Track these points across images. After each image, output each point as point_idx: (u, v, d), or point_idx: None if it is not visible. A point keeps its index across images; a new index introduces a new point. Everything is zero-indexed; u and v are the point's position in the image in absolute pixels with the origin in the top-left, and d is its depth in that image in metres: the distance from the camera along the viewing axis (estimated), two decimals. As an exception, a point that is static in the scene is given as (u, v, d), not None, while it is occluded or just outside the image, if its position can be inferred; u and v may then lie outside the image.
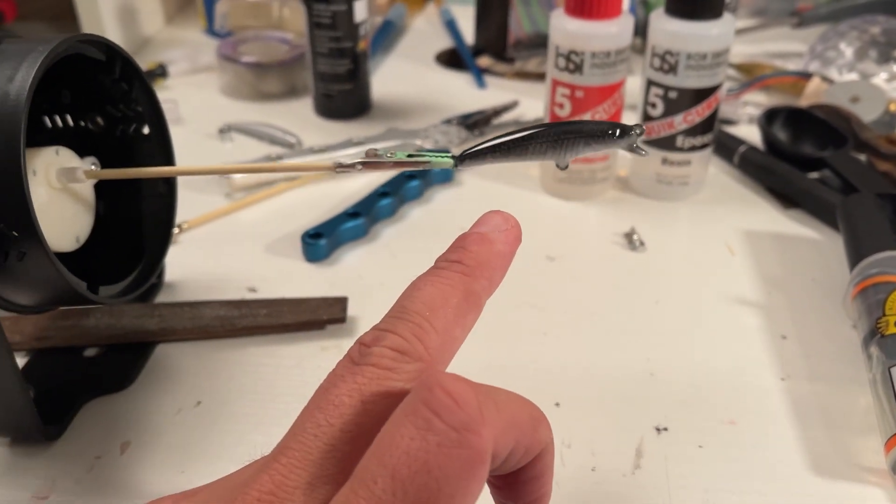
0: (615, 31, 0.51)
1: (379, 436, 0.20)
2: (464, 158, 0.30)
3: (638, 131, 0.30)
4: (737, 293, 0.48)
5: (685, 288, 0.49)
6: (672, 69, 0.52)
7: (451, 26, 0.87)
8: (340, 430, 0.21)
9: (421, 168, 0.30)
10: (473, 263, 0.26)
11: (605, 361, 0.43)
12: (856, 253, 0.45)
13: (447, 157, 0.30)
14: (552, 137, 0.30)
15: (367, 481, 0.19)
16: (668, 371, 0.42)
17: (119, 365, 0.42)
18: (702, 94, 0.52)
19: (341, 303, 0.45)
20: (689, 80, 0.52)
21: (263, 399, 0.40)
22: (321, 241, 0.50)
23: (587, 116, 0.53)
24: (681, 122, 0.53)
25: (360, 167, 0.31)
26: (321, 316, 0.44)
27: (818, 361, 0.42)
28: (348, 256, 0.51)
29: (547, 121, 0.56)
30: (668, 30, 0.51)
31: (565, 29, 0.51)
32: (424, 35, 0.89)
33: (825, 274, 0.49)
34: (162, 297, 0.48)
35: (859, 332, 0.41)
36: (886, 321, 0.39)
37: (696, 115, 0.53)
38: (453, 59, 0.82)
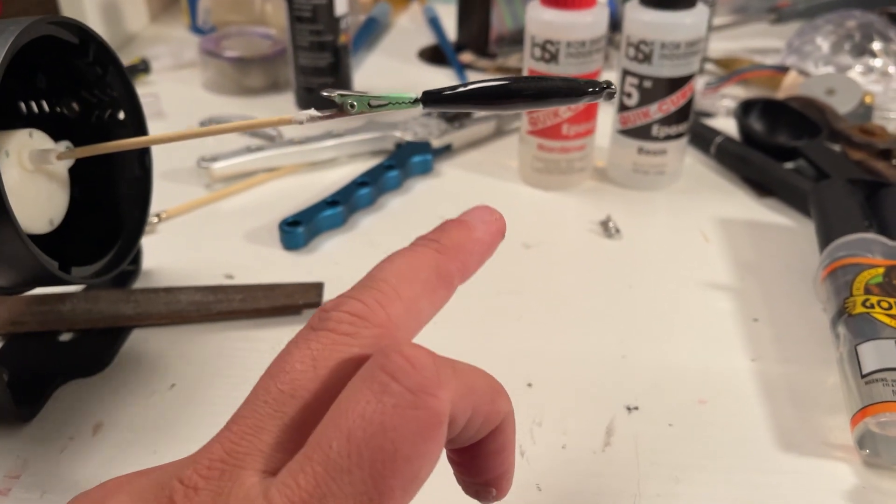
0: (590, 20, 0.51)
1: (335, 402, 0.20)
2: (427, 101, 0.29)
3: (610, 90, 0.30)
4: (710, 278, 0.48)
5: (659, 274, 0.49)
6: (647, 58, 0.52)
7: (434, 23, 0.87)
8: (291, 396, 0.21)
9: (383, 109, 0.30)
10: (450, 244, 0.26)
11: (578, 344, 0.43)
12: (825, 236, 0.45)
13: (408, 97, 0.30)
14: (521, 92, 0.30)
15: (322, 445, 0.19)
16: (640, 353, 0.42)
17: (94, 349, 0.42)
18: (676, 83, 0.53)
19: (317, 288, 0.45)
20: (664, 69, 0.52)
21: (237, 382, 0.40)
22: (299, 229, 0.50)
23: (563, 106, 0.54)
24: (656, 111, 0.54)
25: (317, 118, 0.31)
26: (297, 300, 0.44)
27: (788, 343, 0.43)
28: (326, 245, 0.52)
29: (525, 112, 0.56)
30: (642, 20, 0.52)
31: (541, 19, 0.52)
32: (408, 32, 0.90)
33: (798, 259, 0.50)
34: (139, 284, 0.48)
35: (828, 313, 0.42)
36: (853, 301, 0.40)
37: (671, 104, 0.54)
38: (436, 55, 0.83)
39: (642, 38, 0.52)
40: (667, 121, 0.54)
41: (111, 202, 0.42)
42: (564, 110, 0.54)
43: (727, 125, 0.65)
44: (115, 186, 0.42)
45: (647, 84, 0.53)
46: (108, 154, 0.41)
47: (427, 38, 0.87)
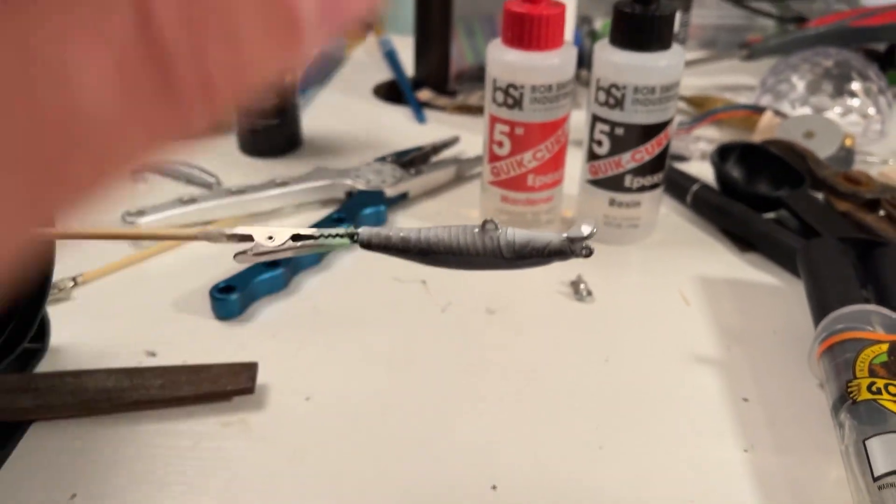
0: (557, 62, 0.47)
1: None
2: (367, 244, 0.26)
3: (584, 252, 0.26)
4: (693, 349, 0.43)
5: (637, 344, 0.44)
6: (618, 104, 0.48)
7: (391, 57, 0.82)
8: None
9: (313, 252, 0.26)
10: None
11: (548, 433, 0.38)
12: (819, 306, 0.41)
13: (345, 237, 0.26)
14: (472, 258, 0.26)
15: None
16: (619, 443, 0.37)
17: (-18, 450, 0.36)
18: (651, 131, 0.49)
19: (249, 370, 0.39)
20: (637, 115, 0.48)
21: (150, 490, 0.34)
22: (232, 296, 0.45)
23: (528, 155, 0.49)
24: (629, 160, 0.49)
25: (226, 239, 0.26)
26: (225, 386, 0.39)
27: (783, 428, 0.38)
28: (264, 312, 0.46)
29: (486, 161, 0.51)
30: (613, 61, 0.47)
31: (503, 60, 0.47)
32: (363, 67, 0.85)
33: (787, 325, 0.45)
34: (45, 365, 0.41)
35: (827, 395, 0.37)
36: (858, 385, 0.35)
37: (646, 153, 0.49)
38: (392, 92, 0.78)
39: (613, 81, 0.48)
40: (641, 171, 0.50)
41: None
42: (530, 159, 0.50)
43: (703, 170, 0.61)
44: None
45: (619, 131, 0.49)
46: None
47: (384, 73, 0.82)
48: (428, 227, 0.27)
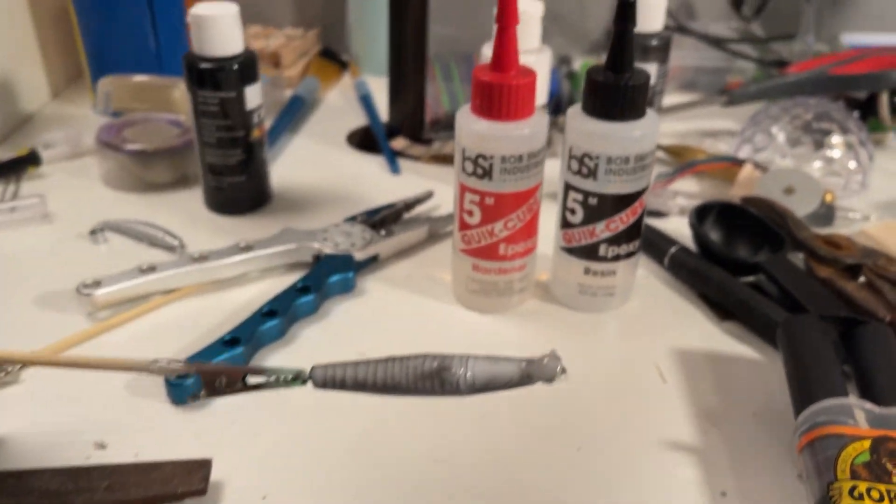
0: (527, 132, 0.45)
1: None
2: (318, 382, 0.24)
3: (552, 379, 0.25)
4: (670, 434, 0.42)
5: (612, 430, 0.42)
6: (591, 173, 0.46)
7: (367, 101, 0.81)
8: None
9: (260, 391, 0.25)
10: None
11: (517, 536, 0.36)
12: (800, 393, 0.39)
13: (296, 375, 0.25)
14: (428, 376, 0.25)
15: None
16: (590, 546, 0.35)
17: (-88, 566, 0.33)
18: (625, 201, 0.47)
19: (202, 468, 0.37)
20: (611, 185, 0.46)
21: None
22: (188, 381, 0.43)
23: (499, 225, 0.47)
24: (603, 229, 0.48)
25: (177, 370, 0.25)
26: (175, 488, 0.36)
27: (763, 527, 0.37)
28: (222, 397, 0.44)
29: (457, 230, 0.50)
30: (585, 130, 0.46)
31: (472, 130, 0.46)
32: (338, 111, 0.83)
33: (766, 406, 0.44)
34: (-13, 460, 0.39)
35: (808, 494, 0.36)
36: (839, 488, 0.33)
37: (620, 222, 0.48)
38: (366, 139, 0.76)
39: (586, 151, 0.46)
40: (616, 240, 0.48)
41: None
42: (501, 228, 0.48)
43: (680, 226, 0.60)
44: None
45: (593, 201, 0.47)
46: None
47: (358, 118, 0.80)
48: (386, 361, 0.25)
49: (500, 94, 0.44)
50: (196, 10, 0.55)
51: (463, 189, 0.48)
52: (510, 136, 0.45)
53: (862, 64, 0.73)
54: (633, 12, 0.43)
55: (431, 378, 0.25)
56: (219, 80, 0.56)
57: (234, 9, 0.56)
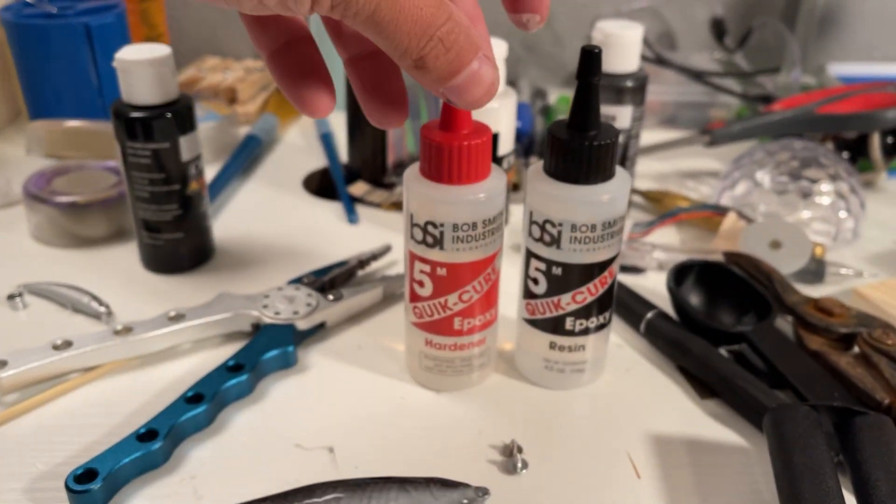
0: (482, 196, 0.40)
1: None
2: None
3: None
4: (642, 545, 0.37)
5: (576, 539, 0.37)
6: (555, 241, 0.41)
7: (326, 141, 0.76)
8: None
9: None
10: None
11: None
12: (790, 498, 0.34)
13: None
14: None
15: None
16: None
17: None
18: (593, 270, 0.42)
19: None
20: (577, 255, 0.41)
21: None
22: (94, 486, 0.37)
23: (453, 297, 0.42)
24: (569, 301, 0.43)
25: None
26: None
27: None
28: (134, 499, 0.38)
29: (408, 301, 0.45)
30: (547, 193, 0.41)
31: (420, 194, 0.41)
32: (296, 151, 0.78)
33: (751, 502, 0.39)
34: None
35: None
36: None
37: (588, 293, 0.43)
38: (324, 182, 0.71)
39: (548, 217, 0.41)
40: (583, 312, 0.43)
41: None
42: (455, 300, 0.43)
43: (658, 282, 0.55)
44: None
45: (557, 271, 0.42)
46: None
47: (317, 159, 0.75)
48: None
49: (449, 156, 0.39)
50: (122, 55, 0.50)
51: (412, 257, 0.43)
52: (462, 202, 0.40)
53: (851, 102, 0.69)
54: (597, 63, 0.39)
55: None
56: (151, 130, 0.51)
57: (165, 51, 0.51)
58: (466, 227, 0.40)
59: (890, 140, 0.69)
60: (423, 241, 0.41)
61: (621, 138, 0.55)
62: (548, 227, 0.41)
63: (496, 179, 0.41)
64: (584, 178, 0.40)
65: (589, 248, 0.41)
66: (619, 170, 0.42)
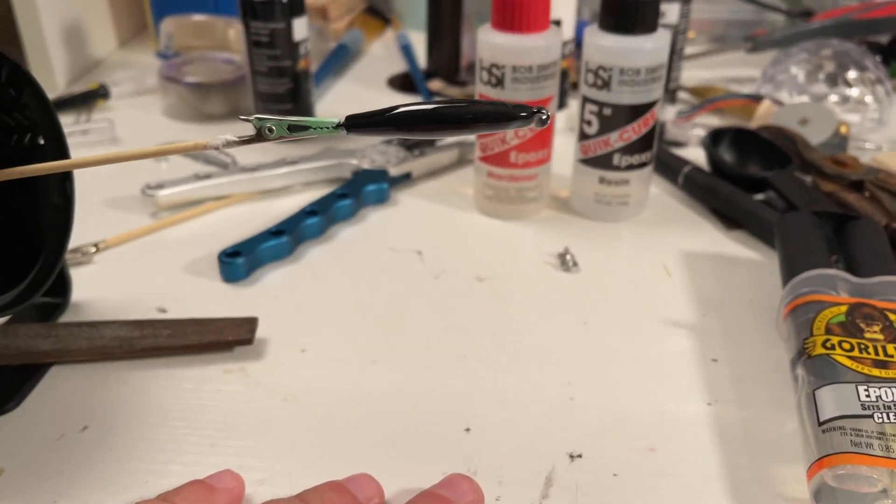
0: (542, 44, 0.50)
1: None
2: (350, 126, 0.29)
3: (542, 115, 0.29)
4: (669, 315, 0.46)
5: (616, 310, 0.46)
6: (605, 85, 0.50)
7: (407, 51, 0.86)
8: None
9: (305, 135, 0.30)
10: None
11: (523, 385, 0.40)
12: (789, 271, 0.43)
13: (330, 122, 0.29)
14: (446, 117, 0.29)
15: None
16: (589, 396, 0.40)
17: (6, 387, 0.39)
18: (637, 111, 0.51)
19: (250, 323, 0.43)
20: (624, 96, 0.50)
21: (153, 423, 0.38)
22: (238, 260, 0.48)
23: (510, 133, 0.52)
24: (617, 139, 0.52)
25: (233, 143, 0.30)
26: (227, 337, 0.42)
27: (748, 385, 0.40)
28: (268, 277, 0.49)
29: (476, 138, 0.54)
30: (600, 44, 0.50)
31: (489, 42, 0.50)
32: (380, 60, 0.88)
33: (762, 295, 0.47)
34: (66, 318, 0.45)
35: (788, 353, 0.39)
36: (813, 341, 0.37)
37: (633, 132, 0.52)
38: (406, 82, 0.81)
39: (601, 63, 0.50)
40: (629, 149, 0.52)
41: (30, 230, 0.40)
42: (512, 136, 0.52)
43: (698, 155, 0.63)
44: (35, 214, 0.40)
45: (607, 111, 0.51)
46: (28, 179, 0.39)
47: (399, 66, 0.86)
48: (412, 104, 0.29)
49: (511, 8, 0.49)
50: (250, -53, 0.60)
51: (480, 98, 0.52)
52: (520, 48, 0.49)
53: (885, 9, 0.75)
54: (644, -68, 0.47)
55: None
56: (269, 11, 0.61)
57: (284, -54, 0.61)
58: (524, 70, 0.50)
59: (921, 45, 0.75)
60: (489, 82, 0.51)
61: (669, 34, 0.62)
62: (600, 72, 0.50)
63: (554, 32, 0.51)
64: (631, 28, 0.49)
65: (634, 90, 0.50)
66: (660, 28, 0.51)
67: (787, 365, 0.41)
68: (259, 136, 0.33)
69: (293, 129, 0.31)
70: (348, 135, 0.30)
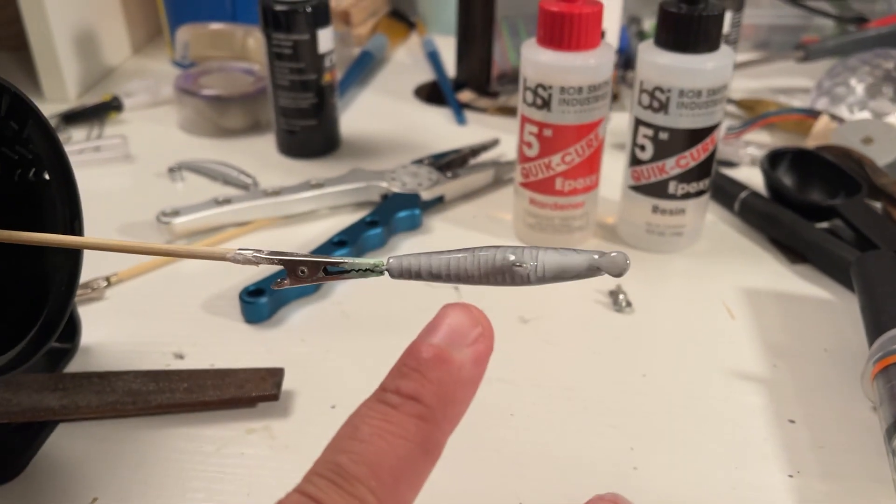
0: (592, 63, 0.45)
1: None
2: (394, 273, 0.25)
3: (617, 266, 0.24)
4: (737, 366, 0.41)
5: (677, 358, 0.42)
6: (663, 107, 0.46)
7: (433, 58, 0.81)
8: None
9: (339, 279, 0.26)
10: (434, 402, 0.21)
11: (580, 450, 0.36)
12: (875, 323, 0.39)
13: (373, 267, 0.25)
14: (499, 270, 0.25)
15: None
16: (655, 464, 0.35)
17: (8, 449, 0.36)
18: (697, 136, 0.46)
19: (275, 376, 0.39)
20: (683, 119, 0.46)
21: (171, 495, 0.34)
22: (262, 300, 0.44)
23: (556, 158, 0.47)
24: (673, 166, 0.48)
25: (259, 260, 0.26)
26: (250, 392, 0.38)
27: (832, 453, 0.36)
28: (294, 316, 0.45)
29: (518, 162, 0.50)
30: (657, 63, 0.45)
31: (533, 60, 0.46)
32: (405, 67, 0.84)
33: (838, 342, 0.43)
34: (75, 365, 0.41)
35: (881, 419, 0.35)
36: (914, 410, 0.33)
37: (691, 158, 0.47)
38: (433, 93, 0.77)
39: (657, 84, 0.46)
40: (686, 177, 0.48)
41: (35, 276, 0.36)
42: (558, 161, 0.48)
43: (752, 176, 0.59)
44: (39, 260, 0.36)
45: (664, 136, 0.47)
46: (33, 220, 0.35)
47: (425, 74, 0.81)
48: (458, 254, 0.25)
49: (561, 24, 0.44)
50: (272, -47, 0.56)
51: (523, 120, 0.48)
52: (569, 67, 0.45)
53: (949, 17, 0.70)
54: (709, -60, 0.43)
55: (502, 271, 0.25)
56: (292, 22, 0.57)
57: (307, -48, 0.57)
58: (572, 91, 0.45)
59: None
60: (534, 104, 0.47)
61: (733, 51, 0.58)
62: (657, 94, 0.46)
63: (604, 50, 0.46)
64: (692, 46, 0.44)
65: (694, 113, 0.46)
66: (723, 45, 0.46)
67: (877, 429, 0.37)
68: (293, 277, 0.29)
69: (330, 271, 0.27)
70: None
